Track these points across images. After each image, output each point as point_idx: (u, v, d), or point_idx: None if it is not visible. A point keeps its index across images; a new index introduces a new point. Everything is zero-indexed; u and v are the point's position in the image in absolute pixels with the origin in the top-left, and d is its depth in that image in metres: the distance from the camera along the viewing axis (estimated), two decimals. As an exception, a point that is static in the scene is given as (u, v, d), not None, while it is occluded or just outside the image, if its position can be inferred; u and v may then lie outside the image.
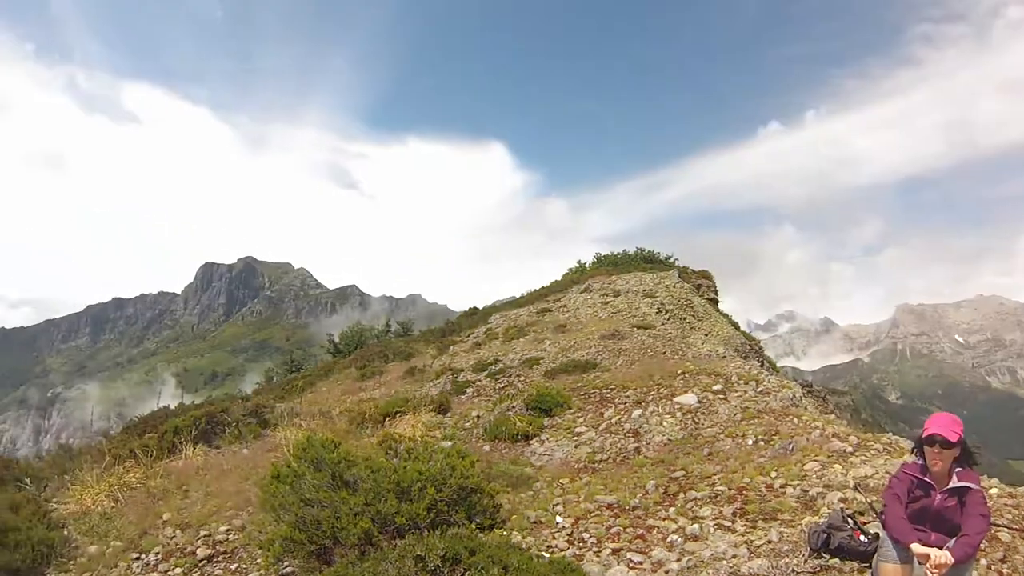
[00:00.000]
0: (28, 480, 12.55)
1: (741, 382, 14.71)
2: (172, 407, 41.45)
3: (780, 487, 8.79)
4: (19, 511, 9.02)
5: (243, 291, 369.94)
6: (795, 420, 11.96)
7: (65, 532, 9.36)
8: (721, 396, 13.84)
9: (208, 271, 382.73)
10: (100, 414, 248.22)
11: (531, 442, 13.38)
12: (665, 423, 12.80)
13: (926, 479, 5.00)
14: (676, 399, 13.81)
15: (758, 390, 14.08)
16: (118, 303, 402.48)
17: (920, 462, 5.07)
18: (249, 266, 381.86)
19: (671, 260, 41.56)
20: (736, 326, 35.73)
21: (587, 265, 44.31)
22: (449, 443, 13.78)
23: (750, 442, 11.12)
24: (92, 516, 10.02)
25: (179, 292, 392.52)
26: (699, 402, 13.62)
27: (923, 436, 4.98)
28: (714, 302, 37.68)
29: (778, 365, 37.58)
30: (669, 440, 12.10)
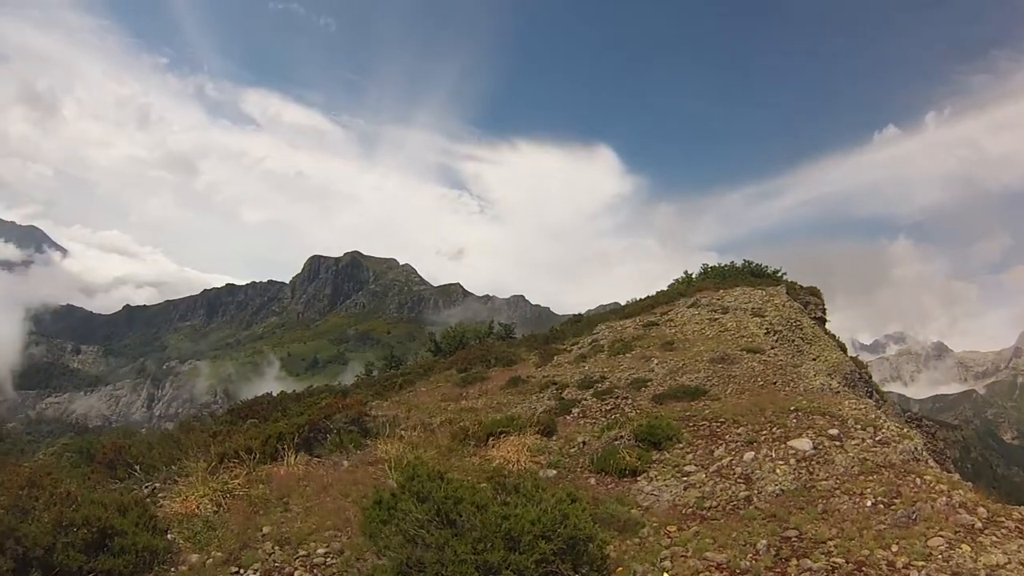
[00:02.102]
0: (138, 468, 13.07)
1: (859, 427, 13.91)
2: (275, 393, 42.97)
3: (903, 567, 8.24)
4: (126, 514, 9.04)
5: (348, 284, 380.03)
6: (917, 480, 11.17)
7: (168, 536, 9.44)
8: (837, 443, 13.13)
9: (316, 263, 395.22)
10: (208, 389, 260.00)
11: (638, 478, 13.05)
12: (778, 470, 12.26)
13: None
14: (790, 443, 13.19)
15: (877, 438, 13.23)
16: (231, 289, 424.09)
17: None
18: (355, 260, 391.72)
19: (779, 274, 40.58)
20: (843, 348, 34.60)
21: (694, 276, 43.73)
22: (554, 472, 13.76)
23: (868, 503, 10.46)
24: (195, 522, 10.10)
25: (287, 282, 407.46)
26: (814, 448, 13.01)
27: None
28: (821, 321, 36.60)
29: (883, 390, 36.19)
30: (782, 491, 11.58)
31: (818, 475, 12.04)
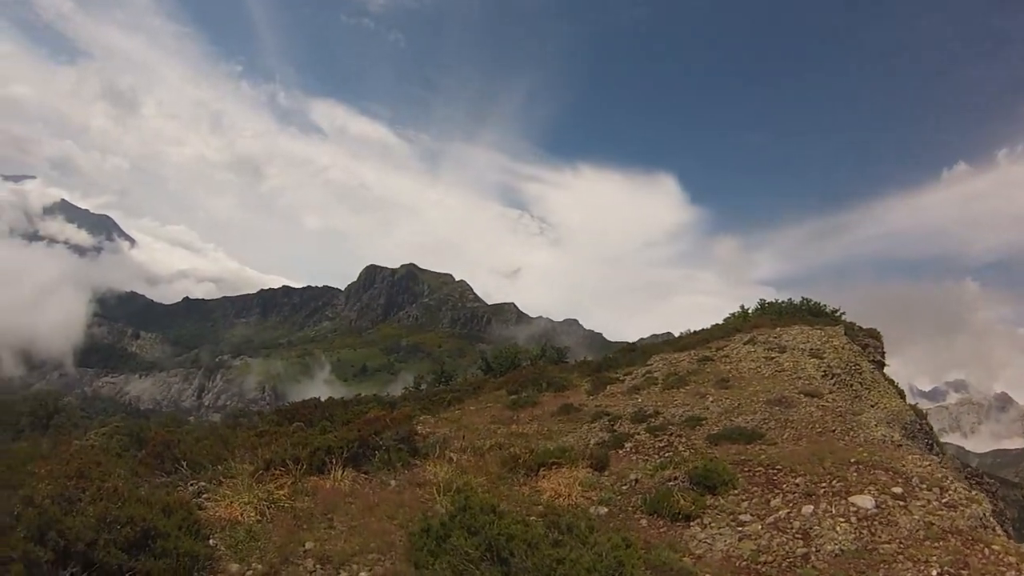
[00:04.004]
0: (185, 464, 13.06)
1: (924, 486, 13.29)
2: (322, 397, 43.46)
3: (971, 650, 7.91)
4: (171, 515, 9.00)
5: (403, 296, 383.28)
6: (986, 550, 10.69)
7: (210, 542, 9.37)
8: (901, 503, 12.56)
9: (372, 273, 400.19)
10: (256, 385, 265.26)
11: (691, 524, 12.66)
12: (838, 528, 11.75)
13: None
14: (851, 498, 12.65)
15: (943, 500, 12.65)
16: (287, 291, 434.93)
17: None
18: (411, 273, 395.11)
19: (838, 314, 39.70)
20: (902, 395, 33.70)
21: (750, 311, 43.16)
22: (605, 510, 13.57)
23: (934, 573, 10.00)
24: (238, 530, 10.03)
25: (342, 288, 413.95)
26: (876, 507, 12.44)
27: None
28: (880, 365, 35.63)
29: (941, 441, 35.13)
30: (842, 551, 11.07)
31: (880, 537, 11.54)
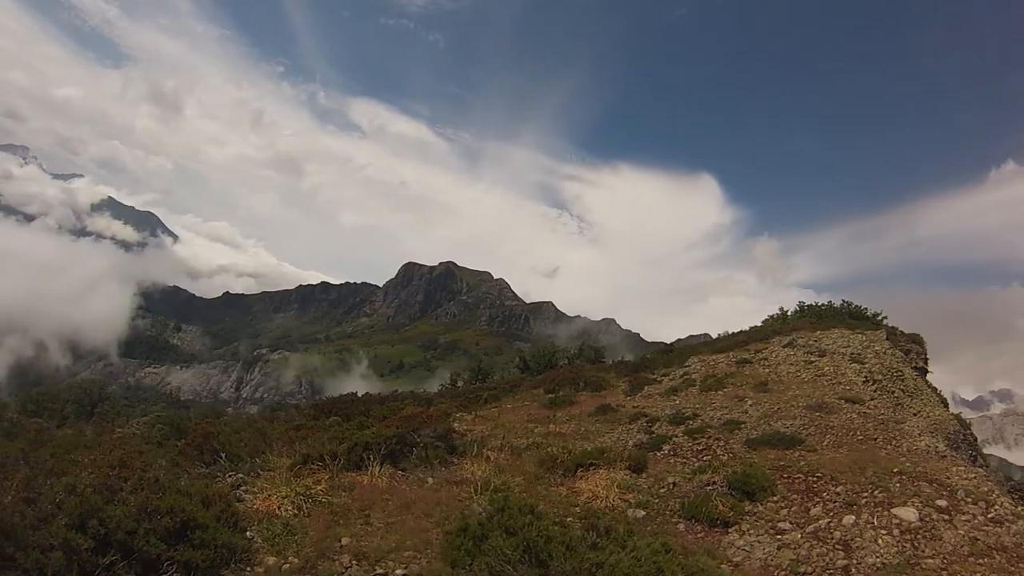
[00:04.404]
0: (224, 456, 13.31)
1: (969, 500, 12.98)
2: (359, 392, 43.79)
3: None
4: (210, 507, 9.09)
5: (440, 293, 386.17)
6: None
7: (248, 535, 9.43)
8: (946, 517, 12.31)
9: (410, 270, 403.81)
10: (294, 379, 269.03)
11: (730, 530, 12.51)
12: (880, 540, 11.52)
13: None
14: (894, 510, 12.44)
15: (989, 515, 12.34)
16: (325, 287, 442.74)
17: None
18: (449, 270, 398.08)
19: (879, 318, 38.92)
20: (945, 403, 33.05)
21: (789, 314, 42.60)
22: (643, 512, 13.48)
23: None
24: (275, 523, 10.08)
25: (380, 285, 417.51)
26: (920, 520, 12.18)
27: None
28: (923, 372, 34.94)
29: (984, 452, 34.33)
30: (883, 564, 10.83)
31: (923, 551, 11.30)
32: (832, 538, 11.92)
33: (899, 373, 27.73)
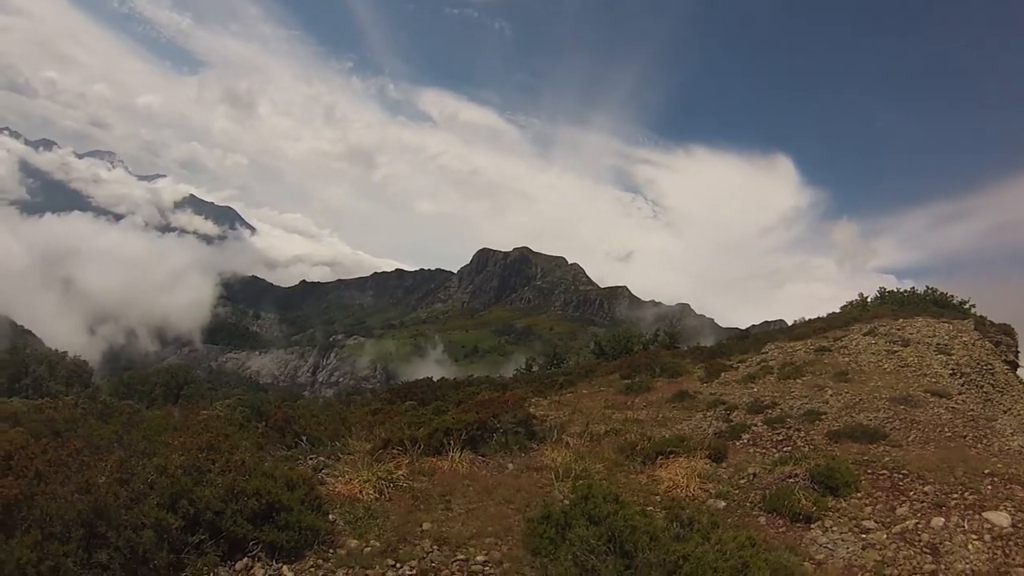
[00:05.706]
0: (305, 439, 13.62)
1: None
2: (434, 377, 44.34)
3: None
4: (294, 490, 9.27)
5: (515, 278, 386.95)
6: None
7: (330, 518, 9.58)
8: None
9: (484, 256, 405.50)
10: (368, 364, 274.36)
11: (812, 526, 12.04)
12: (971, 545, 10.91)
13: None
14: (985, 514, 11.83)
15: None
16: (399, 274, 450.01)
17: None
18: (524, 256, 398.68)
19: (967, 306, 37.31)
20: (1038, 401, 31.62)
21: (869, 300, 41.34)
22: (723, 503, 13.24)
23: None
24: (357, 507, 10.18)
25: (455, 272, 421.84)
26: (1013, 526, 11.44)
27: None
28: (1014, 366, 33.41)
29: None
30: (973, 571, 10.24)
31: (1015, 559, 10.60)
32: (920, 540, 11.36)
33: (989, 366, 26.55)
